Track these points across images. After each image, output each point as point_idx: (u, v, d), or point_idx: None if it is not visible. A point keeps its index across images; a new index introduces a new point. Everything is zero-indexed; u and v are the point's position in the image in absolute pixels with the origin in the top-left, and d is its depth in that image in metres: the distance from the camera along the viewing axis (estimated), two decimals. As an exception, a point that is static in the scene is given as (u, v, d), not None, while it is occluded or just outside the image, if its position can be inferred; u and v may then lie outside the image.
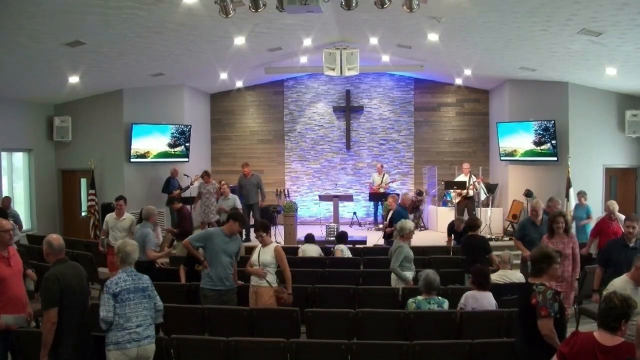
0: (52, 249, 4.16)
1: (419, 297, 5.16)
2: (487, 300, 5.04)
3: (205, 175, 11.39)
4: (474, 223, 7.37)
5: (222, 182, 12.18)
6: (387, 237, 9.08)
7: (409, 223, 6.66)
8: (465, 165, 11.86)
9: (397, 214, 8.45)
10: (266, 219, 9.13)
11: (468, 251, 6.96)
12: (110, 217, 8.14)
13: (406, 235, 6.46)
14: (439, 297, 5.18)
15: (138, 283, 4.13)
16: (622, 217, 7.76)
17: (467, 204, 11.39)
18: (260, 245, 5.86)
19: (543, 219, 6.73)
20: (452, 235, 9.08)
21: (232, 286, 5.76)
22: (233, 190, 11.33)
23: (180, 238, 8.40)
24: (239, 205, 10.07)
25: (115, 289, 4.00)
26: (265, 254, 5.70)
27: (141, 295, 4.11)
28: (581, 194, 9.72)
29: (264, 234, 5.77)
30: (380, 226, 10.07)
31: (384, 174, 13.20)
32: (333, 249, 8.46)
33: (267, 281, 5.63)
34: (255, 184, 11.37)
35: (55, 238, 4.23)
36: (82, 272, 4.32)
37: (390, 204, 9.43)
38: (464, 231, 8.89)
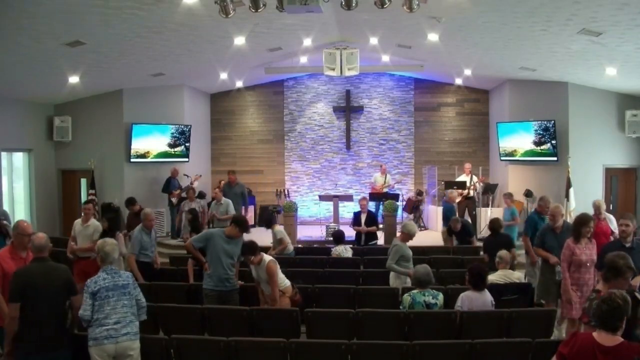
0: (33, 247, 4.30)
1: (414, 291, 5.24)
2: (482, 301, 5.04)
3: (191, 190, 10.63)
4: (497, 224, 7.56)
5: (221, 182, 12.17)
6: (368, 237, 9.48)
7: (411, 226, 6.58)
8: (467, 165, 11.85)
9: (446, 210, 9.68)
10: (266, 219, 8.97)
11: (492, 250, 6.90)
12: (77, 222, 7.44)
13: (403, 235, 6.46)
14: (433, 290, 5.27)
15: (118, 280, 4.21)
16: (611, 216, 7.85)
17: (468, 204, 11.40)
18: None
19: (564, 226, 6.31)
20: (452, 235, 9.09)
21: (233, 287, 5.76)
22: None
23: None
24: (232, 210, 9.55)
25: (94, 287, 4.11)
26: (261, 271, 5.49)
27: (121, 292, 4.18)
28: (507, 196, 9.92)
29: (252, 257, 5.45)
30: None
31: (386, 175, 13.18)
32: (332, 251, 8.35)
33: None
34: (239, 194, 10.73)
35: (39, 237, 4.31)
36: (57, 273, 4.25)
37: (363, 205, 9.68)
38: (463, 230, 8.93)
